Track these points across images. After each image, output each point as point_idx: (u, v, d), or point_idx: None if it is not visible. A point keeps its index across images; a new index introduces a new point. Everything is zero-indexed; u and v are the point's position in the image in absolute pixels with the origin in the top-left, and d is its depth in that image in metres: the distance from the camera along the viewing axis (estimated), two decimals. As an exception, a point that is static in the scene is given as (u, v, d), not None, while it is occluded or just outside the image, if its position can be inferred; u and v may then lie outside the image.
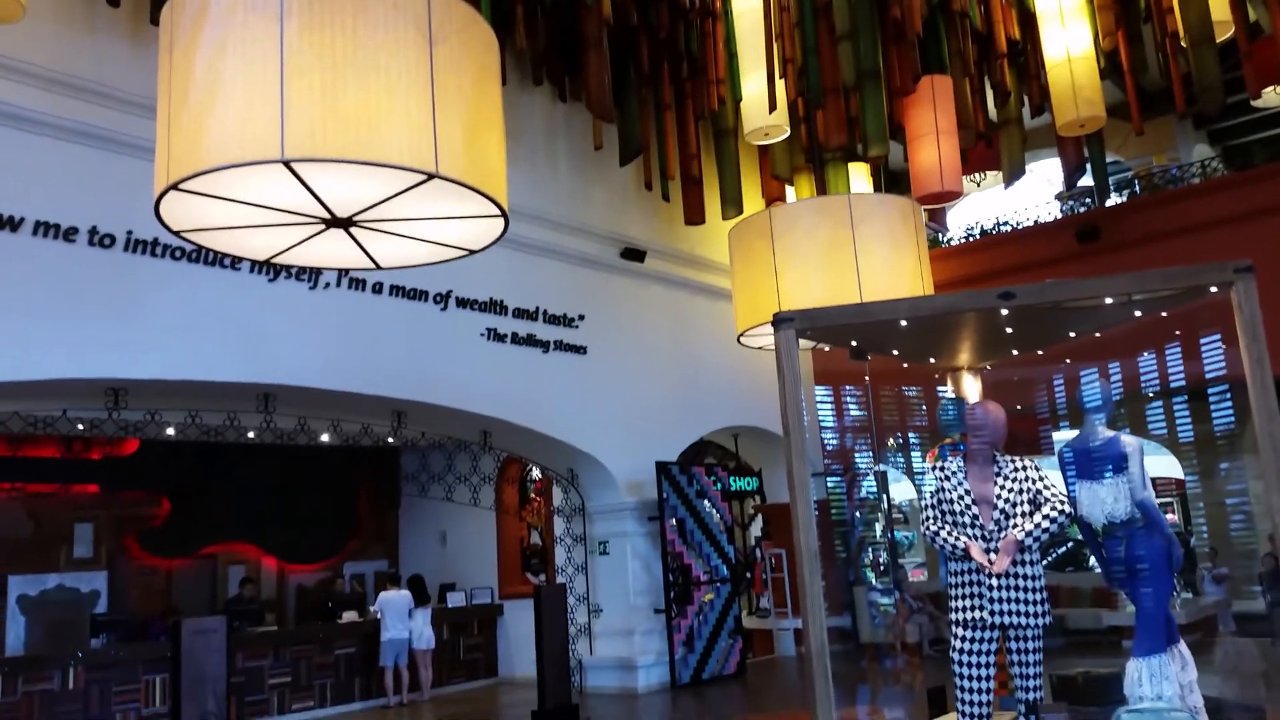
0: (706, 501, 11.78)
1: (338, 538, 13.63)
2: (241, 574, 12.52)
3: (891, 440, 12.18)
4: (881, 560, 13.02)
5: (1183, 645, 4.02)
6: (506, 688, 11.88)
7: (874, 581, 12.76)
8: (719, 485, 12.12)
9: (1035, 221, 13.72)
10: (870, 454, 12.68)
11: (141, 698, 9.20)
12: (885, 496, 13.06)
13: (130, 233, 7.49)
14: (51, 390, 7.42)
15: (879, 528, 13.03)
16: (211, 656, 6.38)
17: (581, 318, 10.97)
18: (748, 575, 14.08)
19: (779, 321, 3.77)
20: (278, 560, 13.06)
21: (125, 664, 9.17)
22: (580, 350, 10.91)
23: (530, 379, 10.33)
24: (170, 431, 9.15)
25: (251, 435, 9.50)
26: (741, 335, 7.94)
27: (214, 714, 6.38)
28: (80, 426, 8.65)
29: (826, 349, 5.11)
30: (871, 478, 12.87)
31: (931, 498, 4.08)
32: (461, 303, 9.74)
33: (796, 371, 3.83)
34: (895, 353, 4.47)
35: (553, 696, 8.69)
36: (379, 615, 10.93)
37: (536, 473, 13.10)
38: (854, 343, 4.29)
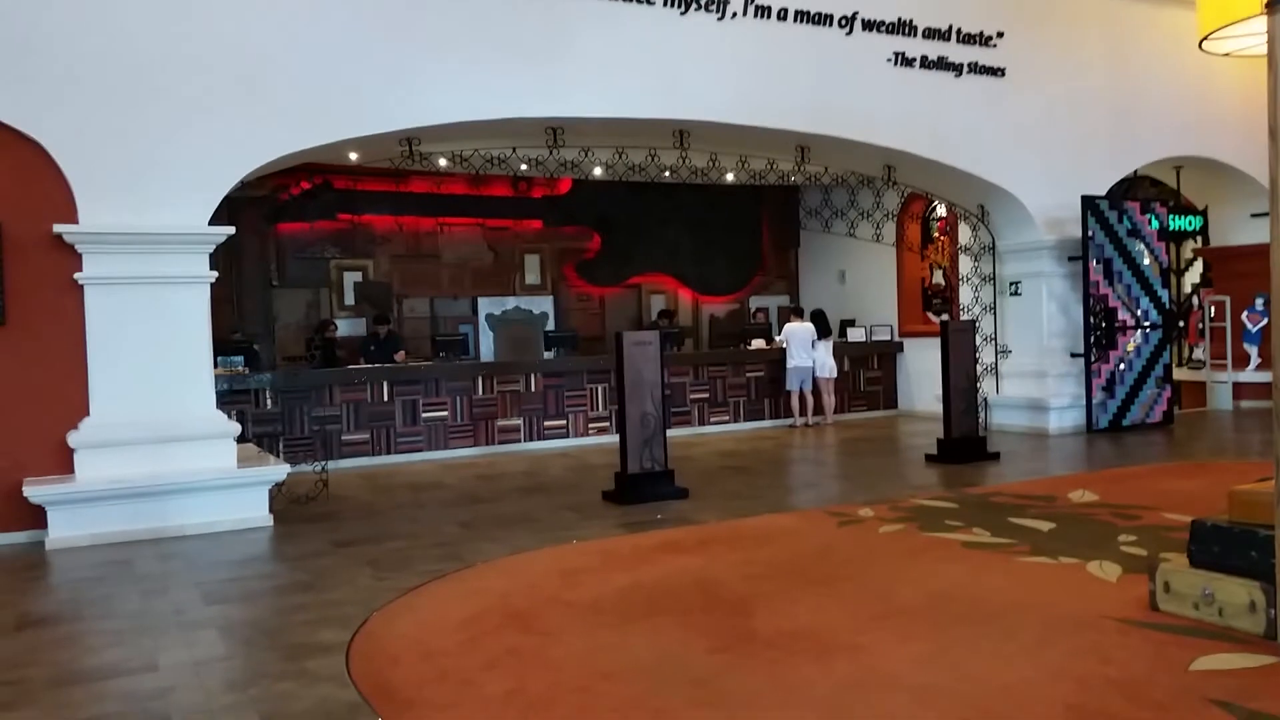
0: (1139, 241, 10.66)
1: (744, 272, 14.38)
2: (661, 303, 13.78)
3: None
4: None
5: None
6: (906, 419, 12.20)
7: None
8: (1155, 224, 10.85)
9: None
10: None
11: (587, 402, 10.74)
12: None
13: (552, -29, 7.90)
14: (500, 129, 8.32)
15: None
16: (648, 364, 7.19)
17: (1000, 35, 9.95)
18: (1181, 324, 12.80)
19: (1276, 1, 3.13)
20: (692, 292, 14.14)
21: (573, 373, 10.71)
22: (997, 73, 9.98)
23: (939, 107, 9.72)
24: (598, 171, 9.95)
25: (667, 174, 10.05)
26: (1204, 40, 6.79)
27: (652, 415, 7.27)
28: (524, 167, 9.68)
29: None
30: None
31: None
32: (867, 25, 9.24)
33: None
34: None
35: (958, 427, 8.76)
36: (784, 344, 11.57)
37: (941, 210, 12.62)
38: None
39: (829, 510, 6.69)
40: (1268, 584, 3.70)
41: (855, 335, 12.84)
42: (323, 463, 8.20)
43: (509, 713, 3.35)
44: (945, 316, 12.26)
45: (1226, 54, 7.96)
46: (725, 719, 3.24)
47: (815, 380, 11.62)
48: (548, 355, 11.13)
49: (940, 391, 8.94)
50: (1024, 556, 5.24)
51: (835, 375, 11.79)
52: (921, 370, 12.23)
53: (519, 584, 5.03)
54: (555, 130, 8.38)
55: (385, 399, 9.80)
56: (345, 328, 11.70)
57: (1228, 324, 12.11)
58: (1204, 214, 12.65)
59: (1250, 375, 12.01)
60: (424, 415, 9.96)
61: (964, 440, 8.76)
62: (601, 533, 6.23)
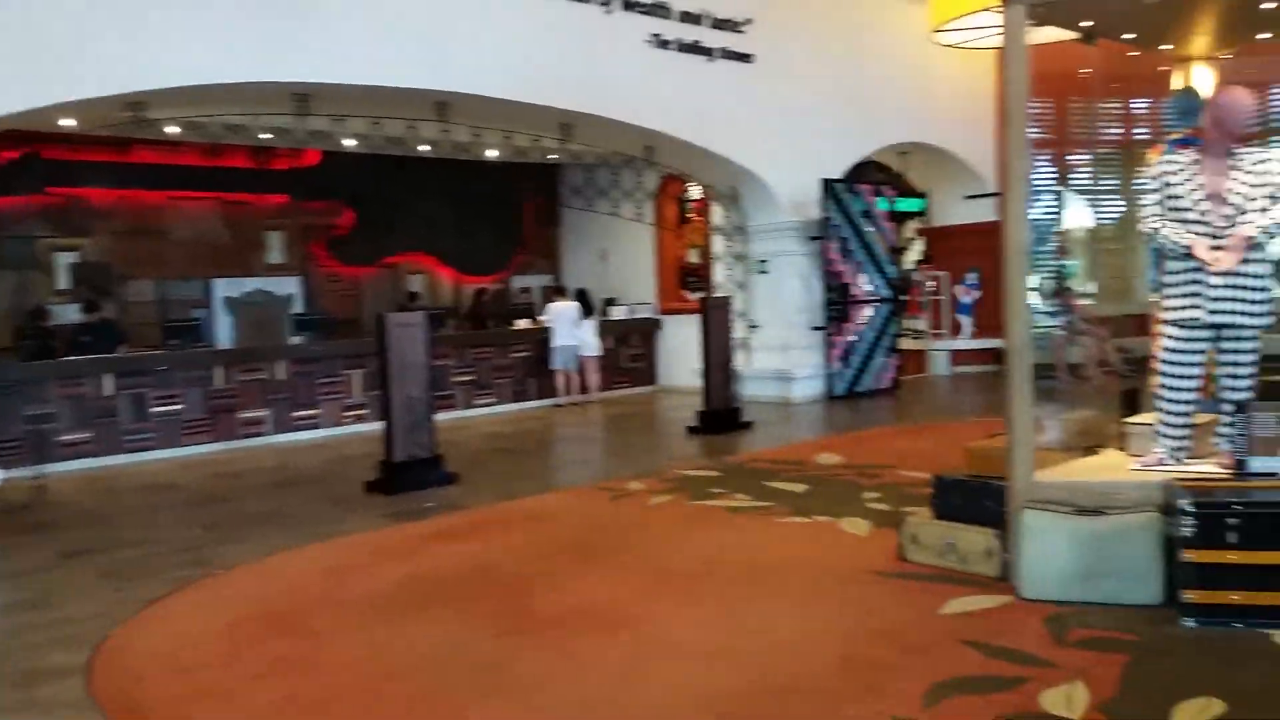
0: (871, 222, 11.52)
1: (505, 251, 14.19)
2: (422, 283, 13.32)
3: (1081, 155, 11.37)
4: (1050, 284, 12.63)
5: None
6: (665, 394, 12.56)
7: (1040, 305, 12.46)
8: (885, 205, 11.77)
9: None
10: (1055, 171, 11.93)
11: (344, 389, 10.19)
12: (1060, 217, 12.44)
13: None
14: (240, 94, 7.67)
15: (1052, 249, 12.54)
16: (413, 346, 6.92)
17: (749, 21, 10.38)
18: (903, 297, 14.00)
19: (1010, -1, 3.44)
20: (453, 271, 13.78)
21: (326, 358, 10.10)
22: (746, 58, 10.42)
23: (694, 90, 10.01)
24: (350, 143, 9.42)
25: (427, 148, 9.68)
26: (937, 30, 7.39)
27: (418, 399, 7.01)
28: (269, 136, 8.99)
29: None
30: (1050, 197, 12.21)
31: (1156, 193, 3.84)
32: (626, 5, 9.33)
33: (1023, 57, 3.54)
34: (1130, 36, 4.05)
35: (716, 399, 9.11)
36: (549, 324, 11.55)
37: (696, 191, 13.04)
38: (1087, 23, 3.90)
39: (600, 486, 6.75)
40: (1000, 531, 4.10)
41: (618, 313, 13.04)
42: (38, 466, 7.27)
43: (282, 723, 3.10)
44: (701, 294, 12.69)
45: (957, 45, 8.69)
46: (516, 703, 3.17)
47: (580, 358, 11.69)
48: (296, 340, 10.44)
49: (699, 366, 9.26)
50: (783, 518, 5.52)
51: (600, 353, 11.92)
52: (679, 346, 12.61)
53: (279, 586, 4.69)
54: (303, 96, 7.84)
55: (108, 393, 8.83)
56: (61, 314, 10.41)
57: (944, 297, 13.40)
58: (926, 196, 13.89)
59: (964, 343, 13.36)
60: (154, 410, 9.05)
61: (721, 411, 9.13)
62: (368, 525, 5.93)
